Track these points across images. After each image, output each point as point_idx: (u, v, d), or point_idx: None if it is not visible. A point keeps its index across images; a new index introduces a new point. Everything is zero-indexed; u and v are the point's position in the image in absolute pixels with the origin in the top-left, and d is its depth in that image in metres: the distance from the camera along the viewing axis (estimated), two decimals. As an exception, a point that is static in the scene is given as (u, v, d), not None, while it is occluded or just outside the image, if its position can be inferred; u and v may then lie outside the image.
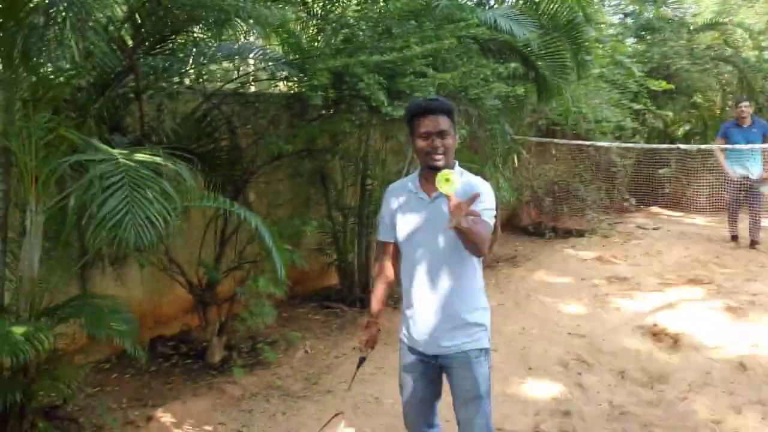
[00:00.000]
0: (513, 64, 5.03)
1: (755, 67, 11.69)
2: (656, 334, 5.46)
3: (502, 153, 5.84)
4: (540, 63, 5.69)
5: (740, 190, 8.45)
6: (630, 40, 11.99)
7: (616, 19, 12.71)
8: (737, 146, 8.22)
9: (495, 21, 4.97)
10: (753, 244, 8.36)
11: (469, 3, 5.76)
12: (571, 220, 9.74)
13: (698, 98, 12.34)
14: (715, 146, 8.68)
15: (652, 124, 12.01)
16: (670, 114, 9.83)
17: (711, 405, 4.17)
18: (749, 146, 8.14)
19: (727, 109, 14.17)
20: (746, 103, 8.42)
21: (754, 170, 8.29)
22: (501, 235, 8.68)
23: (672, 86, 9.39)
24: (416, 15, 4.67)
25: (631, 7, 12.18)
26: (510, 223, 10.11)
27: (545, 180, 9.65)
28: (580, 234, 9.42)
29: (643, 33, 12.12)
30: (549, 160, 10.31)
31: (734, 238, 8.65)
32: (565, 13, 5.72)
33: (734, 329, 5.48)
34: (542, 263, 7.97)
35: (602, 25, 10.43)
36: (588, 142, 8.81)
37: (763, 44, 12.39)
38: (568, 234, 9.49)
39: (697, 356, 4.98)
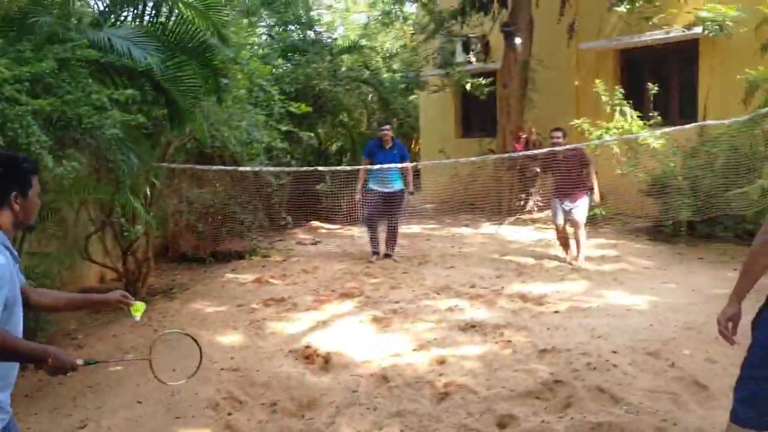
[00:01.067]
0: (129, 90, 4.62)
1: (389, 88, 12.82)
2: (308, 357, 5.48)
3: (132, 183, 5.38)
4: (170, 87, 5.37)
5: (378, 205, 8.97)
6: (278, 61, 12.32)
7: (264, 39, 12.99)
8: (376, 166, 8.78)
9: (110, 42, 4.53)
10: (387, 256, 9.01)
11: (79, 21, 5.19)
12: (232, 243, 9.58)
13: (344, 117, 13.15)
14: (348, 167, 9.29)
15: (307, 142, 12.48)
16: (312, 134, 10.24)
17: (356, 425, 4.23)
18: (388, 166, 8.75)
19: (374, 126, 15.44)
20: (387, 127, 9.13)
21: (395, 186, 8.94)
22: (155, 267, 8.15)
23: (310, 109, 9.76)
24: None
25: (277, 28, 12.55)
26: (167, 251, 9.61)
27: (201, 204, 9.34)
28: (241, 257, 9.32)
29: (290, 54, 12.56)
30: (207, 183, 10.04)
31: (375, 253, 9.11)
32: (193, 35, 5.49)
33: (379, 341, 5.76)
34: (200, 292, 7.65)
35: (249, 46, 10.50)
36: (230, 167, 8.81)
37: (395, 66, 13.73)
38: (228, 258, 9.30)
39: (346, 374, 5.09)
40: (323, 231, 11.74)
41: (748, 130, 8.51)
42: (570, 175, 8.28)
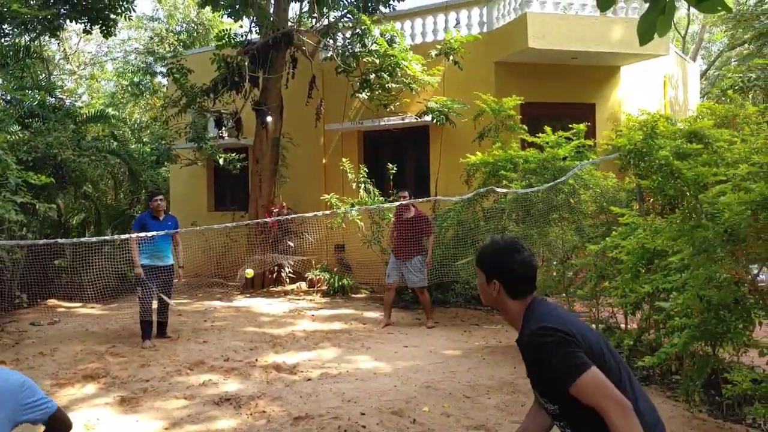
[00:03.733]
0: None
1: (138, 160, 12.48)
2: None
3: None
4: None
5: (153, 280, 8.43)
6: (15, 128, 11.40)
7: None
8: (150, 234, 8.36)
9: None
10: (162, 335, 8.62)
11: None
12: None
13: (89, 188, 12.48)
14: (94, 239, 8.83)
15: (45, 214, 11.59)
16: (51, 206, 9.55)
17: None
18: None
19: (121, 196, 14.78)
20: (161, 197, 8.68)
21: (167, 260, 8.56)
22: None
23: (51, 180, 9.12)
24: None
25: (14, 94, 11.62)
26: None
27: None
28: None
29: (28, 120, 11.72)
30: None
31: (148, 338, 8.38)
32: None
33: (127, 422, 5.51)
34: None
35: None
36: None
37: (145, 138, 13.43)
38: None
39: (90, 461, 4.81)
40: (62, 309, 10.88)
41: (471, 207, 9.71)
42: (411, 237, 9.07)
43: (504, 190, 8.45)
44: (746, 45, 18.64)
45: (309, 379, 6.64)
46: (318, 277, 12.58)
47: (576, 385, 2.21)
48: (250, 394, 6.09)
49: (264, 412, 5.65)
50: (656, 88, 13.59)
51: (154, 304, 8.44)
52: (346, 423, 5.26)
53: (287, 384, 6.48)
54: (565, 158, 8.05)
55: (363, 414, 5.48)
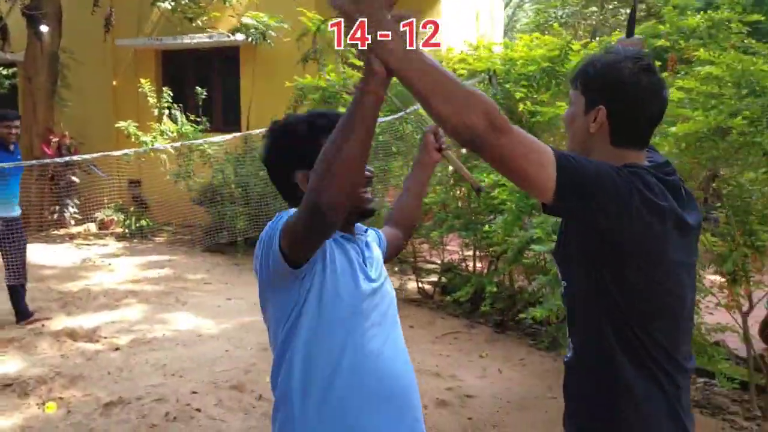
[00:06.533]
0: None
1: None
2: None
3: None
4: None
5: None
6: None
7: None
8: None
9: None
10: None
11: None
12: None
13: None
14: None
15: None
16: None
17: None
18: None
19: None
20: (16, 122, 6.18)
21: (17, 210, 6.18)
22: None
23: None
24: None
25: None
26: None
27: None
28: None
29: None
30: None
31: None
32: None
33: None
34: None
35: None
36: None
37: None
38: None
39: None
40: None
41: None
42: None
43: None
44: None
45: (117, 348, 5.37)
46: (110, 218, 10.88)
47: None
48: (39, 375, 4.72)
49: (61, 398, 4.36)
50: (471, 21, 13.37)
51: None
52: (174, 407, 4.19)
53: (89, 357, 5.16)
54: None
55: (195, 393, 4.43)
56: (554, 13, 13.89)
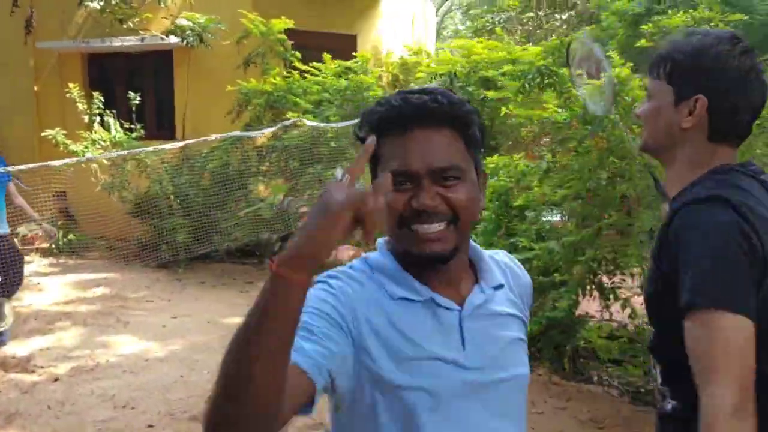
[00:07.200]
0: None
1: None
2: None
3: None
4: None
5: None
6: None
7: None
8: None
9: None
10: None
11: None
12: None
13: None
14: None
15: None
16: None
17: None
18: None
19: None
20: None
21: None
22: None
23: None
24: None
25: None
26: None
27: None
28: None
29: None
30: None
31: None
32: None
33: None
34: None
35: None
36: None
37: None
38: None
39: None
40: None
41: (235, 147, 8.26)
42: None
43: (315, 124, 7.06)
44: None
45: (56, 379, 4.88)
46: (34, 233, 10.12)
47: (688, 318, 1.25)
48: (-31, 414, 4.21)
49: (-4, 441, 3.89)
50: (407, 25, 13.24)
51: None
52: (128, 443, 3.78)
53: (24, 390, 4.66)
54: (368, 88, 7.01)
55: (150, 426, 4.03)
56: (491, 18, 13.96)
